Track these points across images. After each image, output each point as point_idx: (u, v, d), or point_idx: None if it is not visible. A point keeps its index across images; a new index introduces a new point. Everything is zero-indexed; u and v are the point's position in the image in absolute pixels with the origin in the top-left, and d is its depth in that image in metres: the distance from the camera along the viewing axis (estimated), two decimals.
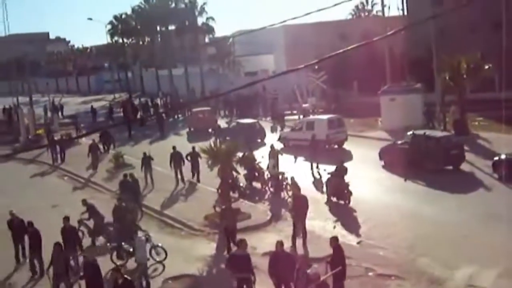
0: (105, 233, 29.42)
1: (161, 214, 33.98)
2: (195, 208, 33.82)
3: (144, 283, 23.69)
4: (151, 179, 41.21)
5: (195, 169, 40.37)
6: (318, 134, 44.22)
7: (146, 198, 37.32)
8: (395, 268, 23.03)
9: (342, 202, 32.57)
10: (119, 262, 26.07)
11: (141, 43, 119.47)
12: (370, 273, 22.99)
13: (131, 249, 26.06)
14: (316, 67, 59.49)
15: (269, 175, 36.42)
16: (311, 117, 53.27)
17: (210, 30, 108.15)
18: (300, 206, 27.00)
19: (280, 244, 20.27)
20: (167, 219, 33.04)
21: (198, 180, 40.31)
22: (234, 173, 35.86)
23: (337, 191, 32.87)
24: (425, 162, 37.44)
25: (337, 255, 20.05)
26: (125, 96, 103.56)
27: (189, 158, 40.76)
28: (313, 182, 37.54)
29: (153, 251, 26.14)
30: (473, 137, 45.87)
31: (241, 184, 36.80)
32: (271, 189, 36.03)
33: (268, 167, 36.55)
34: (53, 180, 47.34)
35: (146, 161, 41.62)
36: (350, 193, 32.24)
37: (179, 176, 40.82)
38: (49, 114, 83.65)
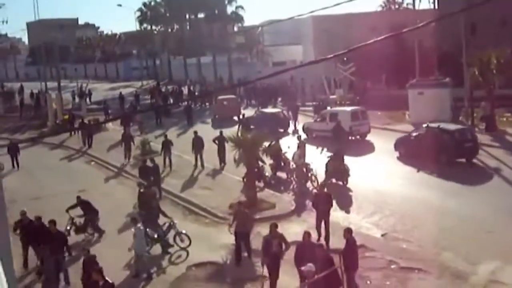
0: (93, 227, 29.28)
1: (186, 201, 34.13)
2: (220, 196, 33.97)
3: (144, 275, 23.94)
4: (169, 162, 42.25)
5: (221, 152, 41.00)
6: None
7: (171, 185, 37.57)
8: (419, 261, 23.00)
9: (340, 182, 34.84)
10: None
11: (169, 30, 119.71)
12: (393, 266, 22.99)
13: (155, 235, 26.28)
14: (345, 58, 59.37)
15: (294, 166, 36.46)
16: (335, 108, 53.35)
17: (239, 19, 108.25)
18: (321, 203, 26.52)
19: (307, 235, 20.32)
20: (192, 206, 33.17)
21: (224, 163, 41.02)
22: (260, 163, 35.96)
23: (336, 172, 34.89)
24: (438, 154, 37.40)
25: (350, 247, 20.12)
26: (153, 83, 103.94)
27: (216, 142, 41.48)
28: None
29: (177, 238, 26.34)
30: (501, 133, 45.62)
31: (267, 174, 36.90)
32: (296, 179, 36.06)
33: (293, 157, 36.57)
34: (80, 165, 47.66)
35: (166, 144, 42.67)
36: (348, 175, 34.74)
37: (199, 162, 41.79)
38: (76, 99, 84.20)
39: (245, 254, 24.83)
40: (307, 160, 36.57)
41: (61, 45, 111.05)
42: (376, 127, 49.49)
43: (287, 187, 35.60)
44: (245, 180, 34.06)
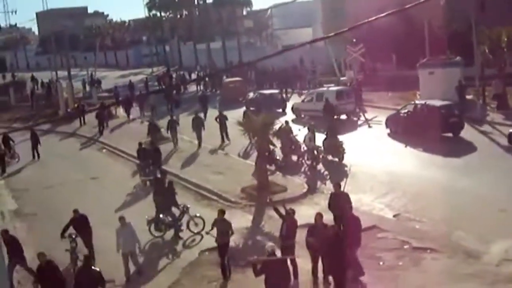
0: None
1: (198, 187, 34.17)
2: (232, 181, 34.08)
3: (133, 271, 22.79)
4: (176, 141, 44.22)
5: (223, 129, 43.65)
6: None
7: (183, 171, 37.69)
8: (431, 241, 22.96)
9: (336, 159, 35.82)
10: (157, 234, 26.39)
11: (179, 16, 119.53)
12: (406, 246, 22.96)
13: (169, 220, 26.38)
14: (354, 40, 59.19)
15: (305, 148, 36.48)
16: (321, 88, 54.62)
17: (248, 3, 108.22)
18: (339, 205, 23.01)
19: (319, 216, 20.14)
20: (204, 191, 33.22)
21: (228, 139, 43.41)
22: (271, 146, 35.95)
23: (332, 149, 35.87)
24: (426, 129, 38.83)
25: (351, 222, 20.42)
26: (163, 70, 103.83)
27: (217, 120, 44.05)
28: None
29: (191, 223, 26.38)
30: None
31: (278, 157, 36.94)
32: (308, 162, 36.10)
33: (304, 140, 36.58)
34: (93, 153, 47.80)
35: (172, 124, 44.47)
36: (344, 151, 35.57)
37: (198, 140, 44.04)
38: (87, 88, 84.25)
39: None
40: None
41: (71, 34, 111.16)
42: (387, 108, 49.51)
43: (298, 170, 35.60)
44: (256, 163, 34.01)
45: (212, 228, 22.79)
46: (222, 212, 22.78)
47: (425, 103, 41.48)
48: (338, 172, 32.81)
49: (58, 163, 43.96)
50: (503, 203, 26.29)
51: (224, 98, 65.18)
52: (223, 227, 22.23)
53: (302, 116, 48.55)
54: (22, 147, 46.75)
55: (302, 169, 35.80)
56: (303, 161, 36.53)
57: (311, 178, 33.47)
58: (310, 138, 36.24)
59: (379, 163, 35.05)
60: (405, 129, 40.80)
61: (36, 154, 45.72)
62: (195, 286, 21.74)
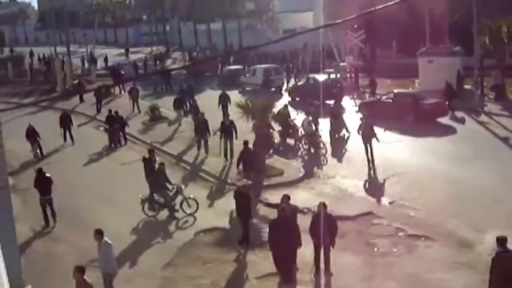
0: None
1: (194, 168, 34.20)
2: (228, 162, 34.18)
3: None
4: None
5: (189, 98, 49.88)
6: (257, 79, 59.57)
7: (179, 150, 37.73)
8: (425, 228, 22.98)
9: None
10: (150, 214, 26.40)
11: None
12: (401, 233, 23.02)
13: (162, 200, 26.36)
14: (355, 26, 59.13)
15: (303, 132, 36.45)
16: (257, 66, 64.33)
17: None
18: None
19: (322, 205, 19.72)
20: (201, 172, 33.26)
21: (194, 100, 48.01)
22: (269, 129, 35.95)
23: (337, 130, 37.88)
24: (314, 97, 44.44)
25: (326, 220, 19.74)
26: (162, 50, 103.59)
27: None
28: None
29: (184, 203, 26.35)
30: (511, 102, 45.50)
31: (275, 141, 36.93)
32: (305, 147, 36.10)
33: (303, 124, 36.50)
34: (90, 130, 47.82)
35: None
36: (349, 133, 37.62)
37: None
38: (86, 65, 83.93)
39: None
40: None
41: (71, 10, 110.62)
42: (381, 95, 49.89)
43: (295, 154, 35.60)
44: (254, 146, 33.90)
45: None
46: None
47: (314, 77, 52.85)
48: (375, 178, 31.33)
49: (57, 140, 43.58)
50: (497, 193, 26.31)
51: (192, 73, 68.21)
52: None
53: (246, 88, 57.65)
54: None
55: (299, 154, 35.78)
56: (301, 145, 36.53)
57: (308, 163, 33.46)
58: (310, 123, 36.14)
59: None
60: (301, 97, 51.23)
61: (70, 137, 42.94)
62: (189, 266, 21.65)
